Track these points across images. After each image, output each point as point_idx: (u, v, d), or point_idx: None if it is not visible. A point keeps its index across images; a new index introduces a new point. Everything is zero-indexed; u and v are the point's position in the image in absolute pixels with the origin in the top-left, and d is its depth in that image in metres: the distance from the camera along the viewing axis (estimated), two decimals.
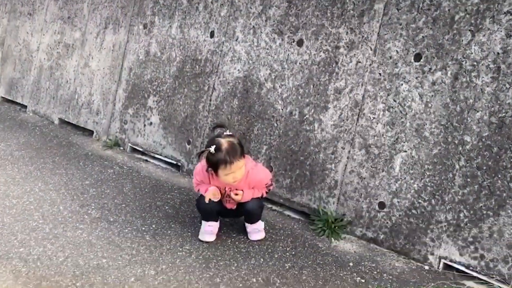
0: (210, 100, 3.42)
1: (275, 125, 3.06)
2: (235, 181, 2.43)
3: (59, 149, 3.96)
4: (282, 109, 3.04)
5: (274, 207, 3.08)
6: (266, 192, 2.64)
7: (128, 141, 3.96)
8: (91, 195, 3.14)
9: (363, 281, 2.34)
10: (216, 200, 2.51)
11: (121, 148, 4.05)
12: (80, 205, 2.99)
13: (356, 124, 2.74)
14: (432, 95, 2.50)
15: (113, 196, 3.15)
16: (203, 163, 2.56)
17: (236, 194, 2.49)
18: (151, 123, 3.79)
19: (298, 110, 2.97)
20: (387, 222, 2.59)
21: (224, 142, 2.37)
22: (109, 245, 2.57)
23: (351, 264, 2.48)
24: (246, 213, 2.63)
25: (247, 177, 2.50)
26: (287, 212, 3.02)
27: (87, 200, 3.07)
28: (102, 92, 4.21)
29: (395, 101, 2.62)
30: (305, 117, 2.93)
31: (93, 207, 2.98)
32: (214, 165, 2.40)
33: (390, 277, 2.39)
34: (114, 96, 4.11)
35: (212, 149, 2.36)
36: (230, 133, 2.46)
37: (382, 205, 2.61)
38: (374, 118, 2.67)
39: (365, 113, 2.71)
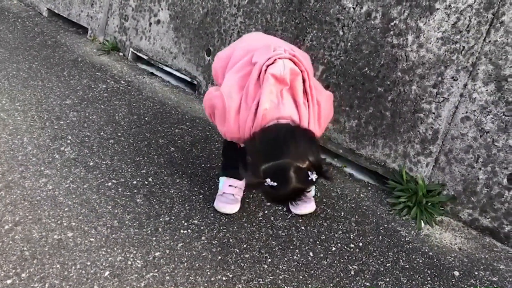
0: None
1: (341, 33, 1.96)
2: None
3: (41, 51, 2.98)
4: (353, 8, 1.91)
5: (329, 160, 2.09)
6: None
7: (129, 44, 2.93)
8: (69, 122, 2.22)
9: None
10: None
11: (121, 54, 3.02)
12: (51, 137, 2.09)
13: (484, 40, 1.62)
14: None
15: (100, 126, 2.22)
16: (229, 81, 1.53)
17: None
18: (158, 21, 2.71)
19: (381, 11, 1.84)
20: None
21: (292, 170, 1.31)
22: (81, 207, 1.70)
23: (456, 273, 1.53)
24: None
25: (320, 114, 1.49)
26: (349, 170, 2.02)
27: (63, 129, 2.16)
28: None
29: None
30: (392, 24, 1.82)
31: (69, 141, 2.08)
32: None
33: None
34: None
35: (269, 182, 1.32)
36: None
37: None
38: None
39: (504, 21, 1.57)
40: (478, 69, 1.64)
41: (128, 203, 1.74)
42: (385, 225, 1.71)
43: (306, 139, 1.35)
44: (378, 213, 1.77)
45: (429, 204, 1.71)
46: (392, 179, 1.83)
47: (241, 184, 1.76)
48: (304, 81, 1.43)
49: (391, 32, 1.82)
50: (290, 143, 1.31)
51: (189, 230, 1.63)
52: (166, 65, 2.72)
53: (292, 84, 1.41)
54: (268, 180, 1.30)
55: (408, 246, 1.62)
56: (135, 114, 2.36)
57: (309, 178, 1.30)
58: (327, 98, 1.53)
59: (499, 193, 1.62)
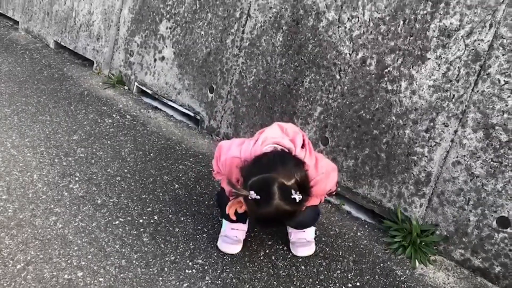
0: (243, 33, 2.41)
1: (338, 77, 2.06)
2: None
3: (49, 84, 3.09)
4: (350, 54, 2.02)
5: (327, 198, 2.18)
6: (328, 195, 1.75)
7: (134, 79, 3.03)
8: (77, 159, 2.30)
9: None
10: (242, 211, 1.60)
11: (126, 87, 3.13)
12: (60, 174, 2.17)
13: (473, 89, 1.72)
14: None
15: (107, 162, 2.30)
16: (232, 146, 1.64)
17: None
18: (163, 58, 2.82)
19: (376, 58, 1.94)
20: (511, 249, 1.67)
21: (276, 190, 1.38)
22: (90, 246, 1.78)
23: None
24: (293, 223, 1.76)
25: None
26: (346, 208, 2.11)
27: (72, 166, 2.24)
28: (103, 11, 3.21)
29: None
30: (386, 70, 1.92)
31: (77, 178, 2.16)
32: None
33: None
34: (118, 17, 3.12)
35: (253, 194, 1.40)
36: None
37: (504, 222, 1.67)
38: (507, 82, 1.64)
39: (490, 73, 1.67)
40: (468, 116, 1.73)
41: (135, 242, 1.82)
42: (381, 264, 1.79)
43: (295, 162, 1.43)
44: (375, 252, 1.85)
45: (423, 243, 1.79)
46: (388, 218, 1.92)
47: (244, 226, 1.83)
48: (303, 140, 1.56)
49: (385, 78, 1.92)
50: (279, 162, 1.40)
51: (193, 270, 1.71)
52: (170, 100, 2.83)
53: (293, 137, 1.53)
54: (252, 192, 1.37)
55: (403, 285, 1.70)
56: (140, 149, 2.45)
57: (292, 197, 1.36)
58: (328, 162, 1.66)
59: (489, 235, 1.70)
